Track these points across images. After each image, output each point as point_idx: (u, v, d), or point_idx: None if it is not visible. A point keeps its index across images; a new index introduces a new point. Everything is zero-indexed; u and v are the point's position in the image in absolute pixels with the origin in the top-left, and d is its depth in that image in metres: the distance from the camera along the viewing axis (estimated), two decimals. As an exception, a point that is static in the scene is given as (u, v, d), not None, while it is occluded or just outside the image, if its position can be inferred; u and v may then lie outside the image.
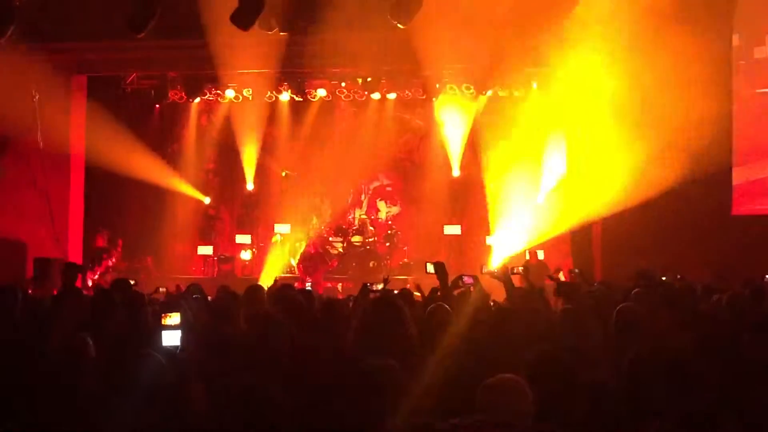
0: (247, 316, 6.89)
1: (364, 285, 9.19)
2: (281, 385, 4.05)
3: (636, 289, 8.25)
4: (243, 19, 13.48)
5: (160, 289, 12.41)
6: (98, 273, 17.90)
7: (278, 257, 20.36)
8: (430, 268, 7.91)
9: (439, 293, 8.05)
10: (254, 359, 5.22)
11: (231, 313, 7.03)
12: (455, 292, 7.96)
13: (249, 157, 22.17)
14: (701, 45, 15.18)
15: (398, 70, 18.64)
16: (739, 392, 4.75)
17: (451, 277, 8.05)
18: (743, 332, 5.67)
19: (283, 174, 22.10)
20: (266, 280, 16.45)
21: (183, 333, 5.44)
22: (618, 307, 6.59)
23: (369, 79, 19.45)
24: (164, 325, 5.49)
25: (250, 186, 22.15)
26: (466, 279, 8.44)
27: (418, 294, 10.38)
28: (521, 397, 3.91)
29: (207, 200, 21.99)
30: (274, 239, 20.85)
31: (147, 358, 4.65)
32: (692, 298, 8.51)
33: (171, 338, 5.42)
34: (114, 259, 18.47)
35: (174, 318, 5.54)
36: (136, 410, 4.28)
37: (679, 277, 12.58)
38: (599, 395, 4.61)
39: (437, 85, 19.21)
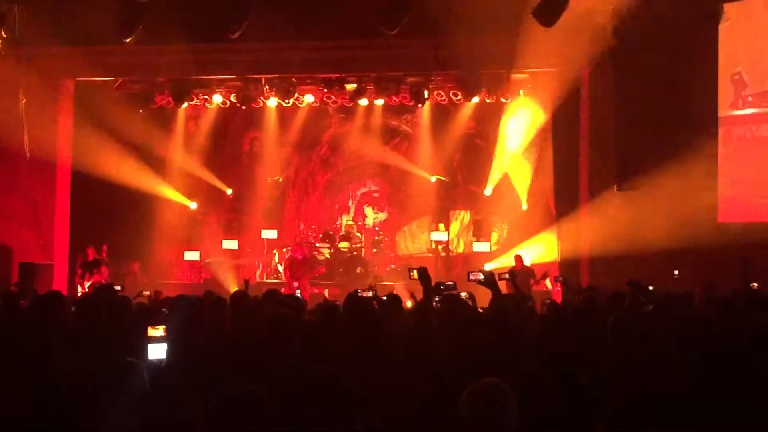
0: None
1: (353, 292, 9.16)
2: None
3: (626, 297, 8.29)
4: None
5: (144, 293, 12.40)
6: (88, 285, 17.85)
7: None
8: (414, 273, 7.87)
9: (420, 299, 8.03)
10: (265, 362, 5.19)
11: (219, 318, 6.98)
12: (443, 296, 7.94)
13: (236, 163, 22.16)
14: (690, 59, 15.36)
15: (386, 76, 18.65)
16: (731, 397, 4.78)
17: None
18: (733, 338, 5.70)
19: (269, 180, 22.07)
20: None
21: (169, 345, 5.34)
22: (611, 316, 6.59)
23: (356, 85, 19.44)
24: (150, 337, 5.38)
25: (228, 191, 22.22)
26: (446, 284, 8.43)
27: (413, 300, 10.38)
28: (505, 401, 3.91)
29: (193, 205, 21.96)
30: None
31: (131, 367, 4.61)
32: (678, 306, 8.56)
33: (156, 351, 5.30)
34: (104, 273, 18.42)
35: (159, 330, 5.44)
36: (122, 419, 4.25)
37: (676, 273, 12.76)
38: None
39: (425, 92, 19.21)
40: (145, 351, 5.20)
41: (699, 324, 6.95)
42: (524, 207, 20.20)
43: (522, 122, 20.16)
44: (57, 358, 4.82)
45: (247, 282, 12.02)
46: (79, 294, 16.84)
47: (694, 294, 9.51)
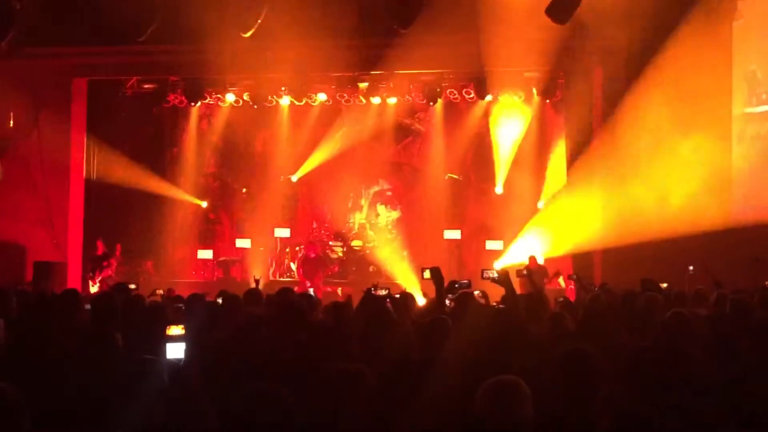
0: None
1: (368, 290, 9.19)
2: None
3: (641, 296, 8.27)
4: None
5: (158, 292, 12.45)
6: (99, 280, 17.92)
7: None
8: (426, 273, 7.87)
9: (433, 298, 8.05)
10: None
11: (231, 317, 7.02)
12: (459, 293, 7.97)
13: (248, 162, 22.20)
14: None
15: (398, 75, 18.66)
16: (742, 394, 4.77)
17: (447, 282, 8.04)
18: (746, 336, 5.70)
19: (282, 178, 22.08)
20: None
21: (187, 345, 5.32)
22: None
23: (369, 84, 19.48)
24: (168, 336, 5.36)
25: (244, 190, 22.22)
26: (461, 283, 8.44)
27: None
28: (521, 397, 3.93)
29: (205, 204, 22.02)
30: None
31: (150, 365, 4.62)
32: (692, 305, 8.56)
33: (175, 351, 5.28)
34: (114, 267, 18.50)
35: (178, 329, 5.42)
36: (141, 416, 4.26)
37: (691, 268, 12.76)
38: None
39: (437, 90, 19.24)
40: (162, 350, 5.20)
41: (711, 323, 6.95)
42: (539, 205, 20.12)
43: (535, 120, 20.13)
44: (72, 357, 4.84)
45: (257, 281, 12.06)
46: (91, 291, 16.92)
47: (707, 293, 9.48)
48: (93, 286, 18.02)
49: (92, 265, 18.51)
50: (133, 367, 4.64)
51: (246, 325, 5.91)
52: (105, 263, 18.42)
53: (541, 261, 17.64)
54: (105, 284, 17.37)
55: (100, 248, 18.82)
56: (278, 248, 21.57)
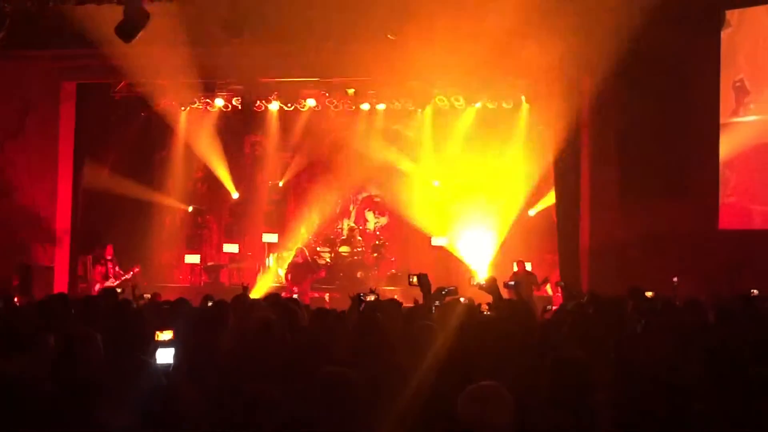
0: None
1: (356, 296, 9.21)
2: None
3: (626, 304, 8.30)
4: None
5: (145, 296, 12.45)
6: (104, 283, 17.90)
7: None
8: (413, 279, 7.91)
9: (420, 305, 8.08)
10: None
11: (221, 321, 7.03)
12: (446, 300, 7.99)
13: (237, 166, 22.17)
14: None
15: (388, 80, 18.66)
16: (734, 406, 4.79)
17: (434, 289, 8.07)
18: (734, 346, 5.71)
19: (270, 183, 22.08)
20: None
21: (176, 350, 5.27)
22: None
23: (358, 90, 19.49)
24: (158, 341, 5.31)
25: (235, 195, 22.17)
26: (449, 289, 8.46)
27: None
28: (502, 404, 3.94)
29: (191, 208, 22.00)
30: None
31: (144, 365, 4.62)
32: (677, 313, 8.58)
33: (164, 356, 5.23)
34: (111, 266, 18.53)
35: (167, 334, 5.37)
36: (136, 414, 4.27)
37: (675, 279, 12.78)
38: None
39: (427, 96, 19.24)
40: (151, 354, 5.18)
41: (701, 333, 6.98)
42: (531, 213, 20.13)
43: (523, 128, 20.15)
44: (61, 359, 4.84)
45: (245, 288, 12.06)
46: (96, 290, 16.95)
47: (698, 303, 9.50)
48: (98, 286, 18.00)
49: (100, 266, 18.58)
50: (127, 368, 4.64)
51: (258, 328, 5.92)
52: (110, 266, 18.52)
53: (529, 268, 17.67)
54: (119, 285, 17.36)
55: (110, 252, 18.90)
56: (266, 253, 21.50)
